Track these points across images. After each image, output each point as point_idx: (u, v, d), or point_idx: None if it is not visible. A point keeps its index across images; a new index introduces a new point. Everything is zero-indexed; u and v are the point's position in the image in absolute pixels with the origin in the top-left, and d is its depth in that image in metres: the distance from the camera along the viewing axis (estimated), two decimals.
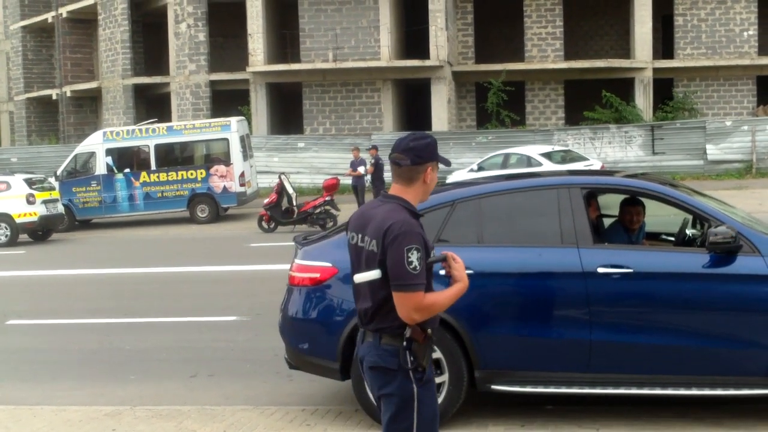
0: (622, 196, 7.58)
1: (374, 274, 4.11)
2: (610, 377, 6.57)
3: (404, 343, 4.10)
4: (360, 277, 4.19)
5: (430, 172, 4.24)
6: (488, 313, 6.60)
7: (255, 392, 8.38)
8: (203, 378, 9.11)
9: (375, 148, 25.31)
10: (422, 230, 4.13)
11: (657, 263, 6.66)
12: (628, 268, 6.52)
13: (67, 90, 42.38)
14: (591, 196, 7.40)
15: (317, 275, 7.03)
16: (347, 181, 26.29)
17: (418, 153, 4.20)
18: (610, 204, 8.07)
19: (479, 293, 6.46)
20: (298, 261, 7.24)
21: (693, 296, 6.47)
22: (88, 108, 43.86)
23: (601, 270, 6.52)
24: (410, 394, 4.11)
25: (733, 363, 6.43)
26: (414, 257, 4.00)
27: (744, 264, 6.40)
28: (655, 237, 8.18)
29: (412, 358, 4.10)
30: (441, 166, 4.34)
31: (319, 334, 7.02)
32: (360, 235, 4.21)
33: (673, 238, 8.04)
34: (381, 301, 4.13)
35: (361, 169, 24.46)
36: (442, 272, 4.20)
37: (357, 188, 24.47)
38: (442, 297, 4.12)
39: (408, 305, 4.02)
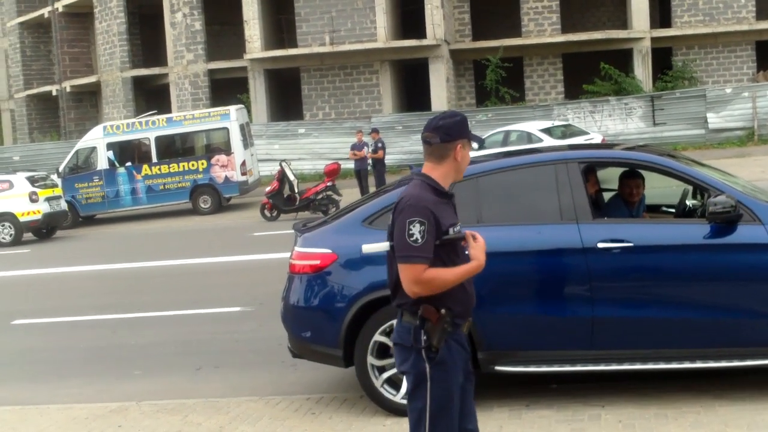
0: (621, 170, 7.53)
1: (381, 246, 4.16)
2: (614, 353, 6.52)
3: (418, 322, 4.14)
4: (368, 248, 4.26)
5: (461, 150, 4.27)
6: (489, 294, 6.53)
7: (260, 383, 8.36)
8: (208, 370, 9.10)
9: (376, 131, 25.19)
10: (440, 206, 4.15)
11: (657, 236, 6.60)
12: (628, 242, 6.47)
13: (67, 85, 42.33)
14: (589, 170, 7.34)
15: (317, 262, 6.99)
16: (349, 165, 26.22)
17: (447, 131, 4.24)
18: (610, 178, 8.01)
19: (479, 274, 6.40)
20: (297, 248, 7.20)
21: (695, 268, 6.42)
22: (88, 103, 43.81)
23: (601, 245, 6.47)
24: (423, 373, 4.15)
25: (738, 334, 6.38)
26: (415, 230, 4.05)
27: (745, 233, 6.34)
28: (655, 209, 8.13)
29: (425, 338, 4.13)
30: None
31: (321, 322, 6.99)
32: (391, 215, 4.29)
33: (673, 210, 7.99)
34: (396, 277, 4.20)
35: (365, 150, 24.24)
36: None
37: (360, 172, 24.30)
38: (448, 273, 4.13)
39: (408, 277, 4.09)
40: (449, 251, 4.18)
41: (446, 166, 4.26)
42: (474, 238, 4.23)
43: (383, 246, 4.19)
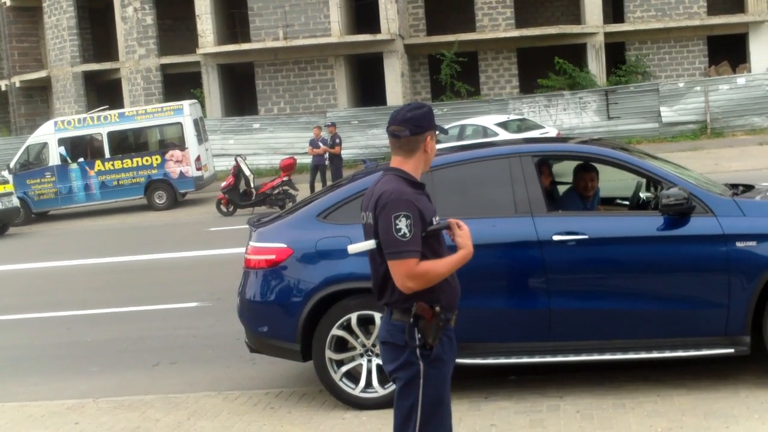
0: (575, 163, 7.60)
1: (368, 244, 4.13)
2: (571, 345, 6.59)
3: (411, 320, 4.09)
4: (353, 248, 4.19)
5: (430, 141, 4.25)
6: None
7: (218, 378, 8.33)
8: (165, 366, 9.04)
9: (333, 125, 25.13)
10: (420, 199, 4.12)
11: (611, 228, 6.68)
12: (583, 234, 6.54)
13: (16, 80, 41.66)
14: (543, 163, 7.40)
15: (273, 257, 6.98)
16: (305, 160, 26.08)
17: (417, 123, 4.20)
18: (565, 172, 8.08)
19: None
20: (252, 243, 7.19)
21: (649, 259, 6.50)
22: (39, 98, 43.17)
23: (556, 237, 6.53)
24: (416, 372, 4.11)
25: (692, 324, 6.47)
26: (402, 224, 4.00)
27: (698, 225, 6.43)
28: (609, 202, 8.21)
29: (419, 336, 4.09)
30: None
31: (277, 317, 6.98)
32: (365, 212, 4.23)
33: (627, 203, 8.08)
34: (383, 275, 4.16)
35: (321, 144, 24.06)
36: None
37: (318, 167, 24.14)
38: (440, 264, 4.10)
39: (400, 273, 4.03)
40: (433, 242, 4.14)
41: (417, 158, 4.22)
42: (458, 226, 4.19)
43: (369, 244, 4.14)
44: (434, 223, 4.15)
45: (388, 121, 4.32)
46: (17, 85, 41.79)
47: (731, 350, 6.38)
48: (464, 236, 4.17)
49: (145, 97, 37.53)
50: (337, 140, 24.08)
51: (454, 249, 4.18)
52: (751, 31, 36.28)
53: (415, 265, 4.01)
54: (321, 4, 34.63)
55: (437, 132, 4.31)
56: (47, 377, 9.09)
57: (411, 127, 4.19)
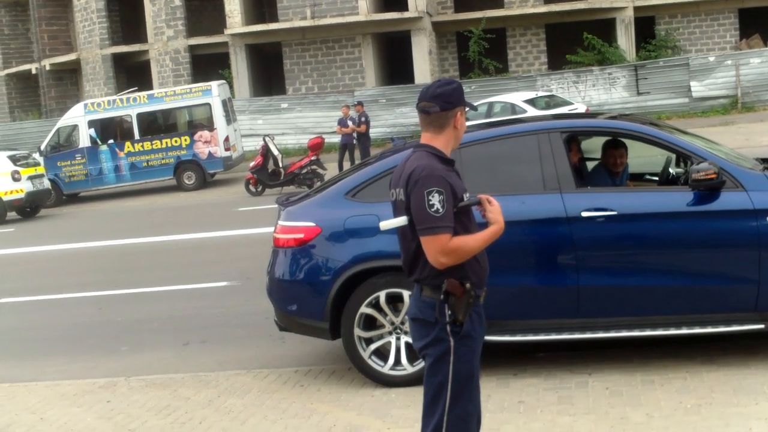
0: (604, 139, 7.54)
1: (400, 221, 4.13)
2: (600, 321, 6.56)
3: (442, 297, 4.09)
4: (386, 224, 4.19)
5: (460, 117, 4.24)
6: None
7: (247, 356, 8.38)
8: (196, 345, 9.11)
9: (361, 104, 25.14)
10: (451, 175, 4.11)
11: (641, 204, 6.62)
12: (612, 210, 6.49)
13: (46, 63, 41.90)
14: (572, 140, 7.35)
15: (301, 235, 6.99)
16: (333, 139, 26.08)
17: (447, 98, 4.19)
18: (594, 148, 8.02)
19: None
20: (281, 222, 7.19)
21: (678, 235, 6.44)
22: (69, 81, 43.41)
23: (585, 214, 6.49)
24: (446, 348, 4.10)
25: (722, 300, 6.42)
26: (435, 200, 3.99)
27: (728, 200, 6.37)
28: (639, 178, 8.14)
29: (449, 312, 4.08)
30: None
31: (306, 295, 6.99)
32: (395, 189, 4.22)
33: (656, 178, 8.01)
34: (414, 251, 4.15)
35: (350, 123, 24.08)
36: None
37: (347, 146, 24.18)
38: (473, 240, 4.09)
39: (434, 248, 4.02)
40: (464, 218, 4.13)
41: (447, 134, 4.21)
42: (489, 201, 4.19)
43: (401, 221, 4.13)
44: (465, 199, 4.14)
45: (417, 97, 4.31)
46: (47, 68, 42.04)
47: (761, 326, 6.33)
48: (495, 212, 4.16)
49: (173, 79, 37.64)
50: (364, 119, 24.09)
51: (483, 226, 4.17)
52: None
53: (448, 241, 4.00)
54: None
55: (466, 108, 4.30)
56: (79, 356, 9.18)
57: (441, 102, 4.18)
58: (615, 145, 7.39)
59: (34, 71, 42.85)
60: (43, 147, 27.24)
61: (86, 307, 11.55)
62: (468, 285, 4.10)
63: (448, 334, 4.10)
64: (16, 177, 23.33)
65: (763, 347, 6.73)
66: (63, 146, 27.32)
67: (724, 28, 36.50)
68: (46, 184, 24.89)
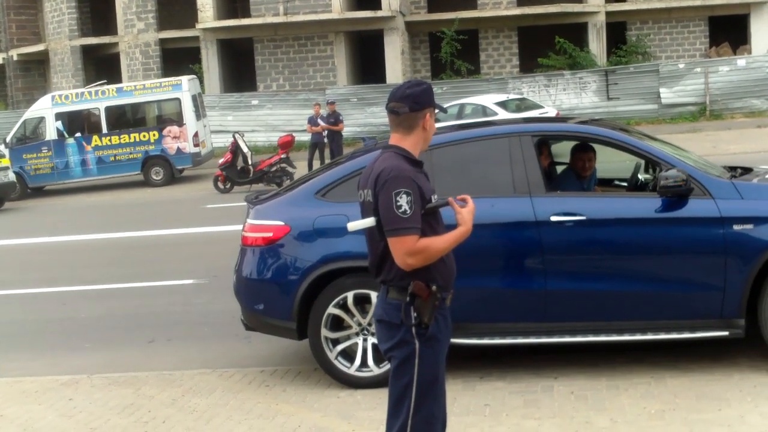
0: (573, 143, 7.56)
1: (368, 221, 4.12)
2: (567, 326, 6.58)
3: (407, 299, 4.08)
4: (353, 225, 4.18)
5: (429, 119, 4.24)
6: None
7: (213, 355, 8.32)
8: (161, 343, 9.03)
9: (333, 103, 25.20)
10: (419, 176, 4.12)
11: (609, 209, 6.65)
12: (580, 215, 6.52)
13: (14, 54, 41.46)
14: (543, 143, 7.37)
15: (270, 234, 6.96)
16: (304, 138, 26.02)
17: (416, 99, 4.18)
18: (563, 152, 8.04)
19: None
20: (250, 221, 7.16)
21: (646, 241, 6.48)
22: (36, 72, 42.97)
23: (554, 218, 6.51)
24: (412, 351, 4.10)
25: (688, 306, 6.47)
26: (403, 201, 3.99)
27: (695, 207, 6.41)
28: (607, 183, 8.18)
29: (415, 314, 4.08)
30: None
31: (274, 295, 6.96)
32: (363, 190, 4.21)
33: (625, 184, 8.05)
34: (381, 253, 4.15)
35: (320, 122, 24.08)
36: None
37: (317, 145, 24.19)
38: (439, 241, 4.09)
39: (400, 249, 4.02)
40: (431, 220, 4.13)
41: (416, 135, 4.21)
42: (465, 201, 4.19)
43: (369, 222, 4.12)
44: (433, 200, 4.14)
45: (387, 98, 4.30)
46: (15, 58, 41.59)
47: (726, 333, 6.38)
48: (464, 213, 4.15)
49: (143, 72, 37.37)
50: (340, 117, 24.20)
51: (452, 228, 4.17)
52: (753, 12, 36.08)
53: (415, 242, 4.01)
54: None
55: (436, 110, 4.29)
56: (41, 353, 9.07)
57: (410, 103, 4.17)
58: (584, 149, 7.42)
59: (1, 61, 42.36)
60: (8, 139, 26.90)
61: (50, 303, 11.42)
62: (434, 287, 4.09)
63: (414, 336, 4.09)
64: None
65: (727, 354, 6.78)
66: (29, 138, 27.00)
67: (695, 36, 36.80)
68: (11, 176, 24.55)
